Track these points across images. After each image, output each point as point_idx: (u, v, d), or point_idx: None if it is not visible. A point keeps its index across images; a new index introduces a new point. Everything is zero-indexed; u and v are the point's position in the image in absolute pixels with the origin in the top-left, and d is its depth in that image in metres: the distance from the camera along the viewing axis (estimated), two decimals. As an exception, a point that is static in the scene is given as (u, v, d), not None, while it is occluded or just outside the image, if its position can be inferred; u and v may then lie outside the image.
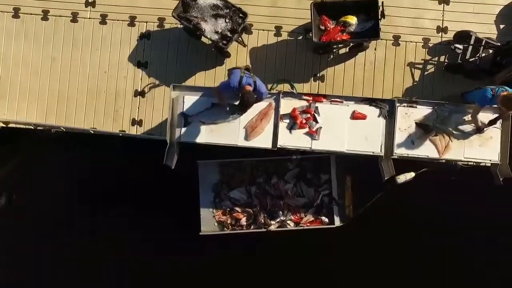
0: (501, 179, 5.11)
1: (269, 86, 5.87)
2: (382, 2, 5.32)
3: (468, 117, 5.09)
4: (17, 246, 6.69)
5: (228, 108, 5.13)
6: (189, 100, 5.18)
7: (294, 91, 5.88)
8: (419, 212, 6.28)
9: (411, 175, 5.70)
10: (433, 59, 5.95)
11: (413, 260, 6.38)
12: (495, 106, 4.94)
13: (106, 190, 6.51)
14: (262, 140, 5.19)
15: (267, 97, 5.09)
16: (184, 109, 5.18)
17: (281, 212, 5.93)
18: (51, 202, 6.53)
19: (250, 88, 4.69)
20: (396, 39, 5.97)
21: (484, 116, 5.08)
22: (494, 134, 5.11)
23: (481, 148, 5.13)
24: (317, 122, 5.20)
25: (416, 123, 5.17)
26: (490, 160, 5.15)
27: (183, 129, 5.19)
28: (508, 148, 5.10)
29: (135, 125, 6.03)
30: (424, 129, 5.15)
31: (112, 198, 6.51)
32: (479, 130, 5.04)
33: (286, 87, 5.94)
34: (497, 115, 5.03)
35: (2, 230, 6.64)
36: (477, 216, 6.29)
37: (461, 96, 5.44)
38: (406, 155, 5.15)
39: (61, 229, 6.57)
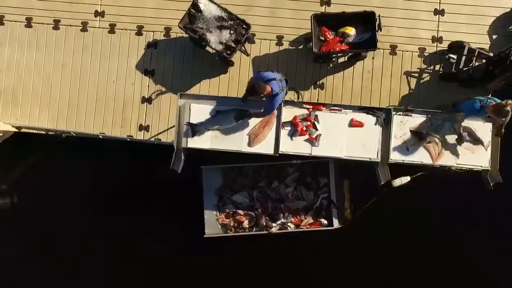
0: (491, 184, 5.42)
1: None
2: (379, 15, 5.63)
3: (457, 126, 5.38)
4: (21, 246, 6.90)
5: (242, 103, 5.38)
6: (195, 108, 5.46)
7: (301, 98, 6.19)
8: (416, 213, 6.51)
9: (406, 179, 5.93)
10: (429, 68, 6.26)
11: (411, 261, 6.60)
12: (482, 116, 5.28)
13: (111, 193, 6.74)
14: (265, 147, 5.47)
15: (271, 112, 5.32)
16: (191, 117, 5.46)
17: (282, 215, 6.17)
18: (58, 203, 6.75)
19: (269, 90, 4.91)
20: (393, 49, 6.28)
21: (472, 125, 5.38)
22: (485, 141, 5.37)
23: (472, 155, 5.42)
24: (316, 129, 5.48)
25: (411, 130, 5.45)
26: (481, 166, 5.44)
27: (190, 136, 5.47)
28: (498, 154, 5.40)
29: (142, 131, 6.32)
30: (419, 136, 5.42)
31: (117, 201, 6.75)
32: (460, 137, 5.30)
33: (287, 95, 6.16)
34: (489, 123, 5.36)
35: (9, 230, 6.85)
36: (475, 216, 6.57)
37: (452, 106, 5.71)
38: (401, 161, 5.44)
39: (65, 229, 6.79)
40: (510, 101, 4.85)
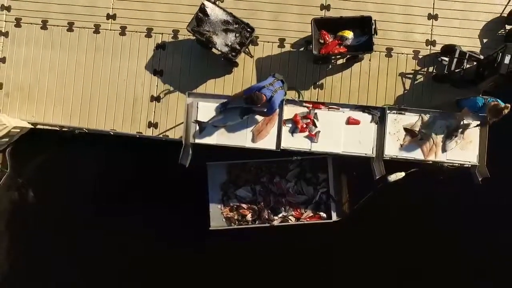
0: (480, 179, 5.84)
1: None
2: (375, 20, 6.10)
3: (450, 123, 5.83)
4: (29, 244, 7.26)
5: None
6: (203, 106, 5.87)
7: (301, 97, 6.63)
8: (411, 207, 6.88)
9: (401, 174, 6.29)
10: (422, 70, 6.70)
11: (408, 255, 6.96)
12: (481, 114, 5.72)
13: (118, 189, 7.07)
14: (267, 143, 5.86)
15: (272, 112, 5.72)
16: (198, 114, 5.87)
17: (283, 209, 6.56)
18: (66, 198, 7.07)
19: (263, 98, 5.46)
20: (389, 51, 6.73)
21: (468, 123, 5.82)
22: (473, 138, 5.84)
23: (462, 151, 5.85)
24: (316, 126, 5.88)
25: (404, 128, 5.87)
26: (470, 162, 5.86)
27: (197, 132, 5.87)
28: (485, 150, 5.81)
29: (151, 128, 6.75)
30: (411, 133, 5.85)
31: (123, 196, 7.07)
32: (457, 127, 5.75)
33: (289, 94, 6.46)
34: (478, 122, 5.79)
35: (19, 225, 7.23)
36: (471, 211, 6.92)
37: (455, 102, 6.17)
38: (395, 156, 5.85)
39: (71, 224, 7.09)
40: (509, 106, 5.29)
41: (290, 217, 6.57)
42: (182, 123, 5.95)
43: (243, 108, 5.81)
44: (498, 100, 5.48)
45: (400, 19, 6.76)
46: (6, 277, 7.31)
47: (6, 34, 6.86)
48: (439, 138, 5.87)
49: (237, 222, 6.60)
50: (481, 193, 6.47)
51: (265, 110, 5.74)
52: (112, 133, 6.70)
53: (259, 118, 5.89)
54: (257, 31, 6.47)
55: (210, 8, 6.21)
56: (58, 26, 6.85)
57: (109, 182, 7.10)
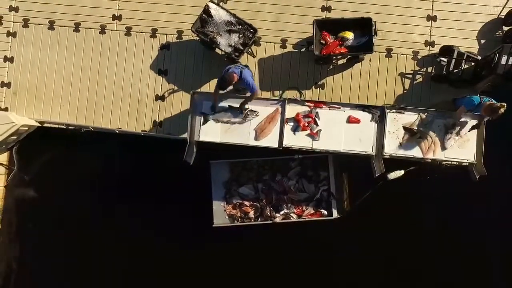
0: (477, 177, 5.98)
1: (280, 92, 6.82)
2: (375, 21, 6.27)
3: (447, 121, 6.02)
4: (33, 241, 7.40)
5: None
6: (207, 104, 6.08)
7: (303, 96, 6.80)
8: (412, 206, 7.02)
9: (400, 172, 6.56)
10: (421, 70, 6.86)
11: (407, 253, 7.09)
12: (477, 114, 5.89)
13: (123, 187, 7.20)
14: (270, 141, 6.05)
15: (254, 88, 5.89)
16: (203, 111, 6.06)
17: (285, 206, 6.70)
18: (72, 194, 7.19)
19: (234, 76, 5.65)
20: (389, 52, 6.90)
21: (465, 121, 6.03)
22: (471, 136, 6.02)
23: (459, 149, 6.03)
24: (317, 125, 6.07)
25: (403, 127, 6.04)
26: (467, 160, 6.04)
27: (202, 130, 6.07)
28: (482, 149, 5.97)
29: (156, 126, 6.92)
30: (410, 132, 6.03)
31: (126, 194, 7.19)
32: (455, 125, 5.93)
33: (291, 93, 6.80)
34: (474, 120, 5.98)
35: (24, 222, 7.35)
36: (471, 211, 7.03)
37: (452, 101, 6.31)
38: (394, 154, 6.03)
39: (75, 222, 7.22)
40: (504, 105, 5.44)
41: (291, 214, 6.71)
42: (188, 120, 6.10)
43: (235, 107, 6.02)
44: (493, 100, 5.63)
45: (400, 20, 6.92)
46: (9, 276, 7.45)
47: (14, 35, 7.06)
48: (437, 137, 6.03)
49: (240, 219, 6.75)
50: (480, 192, 6.66)
51: (247, 92, 5.89)
52: (117, 132, 6.86)
53: (261, 117, 6.07)
54: (260, 32, 6.65)
55: (214, 9, 6.39)
56: (64, 26, 7.03)
57: (113, 181, 7.24)
